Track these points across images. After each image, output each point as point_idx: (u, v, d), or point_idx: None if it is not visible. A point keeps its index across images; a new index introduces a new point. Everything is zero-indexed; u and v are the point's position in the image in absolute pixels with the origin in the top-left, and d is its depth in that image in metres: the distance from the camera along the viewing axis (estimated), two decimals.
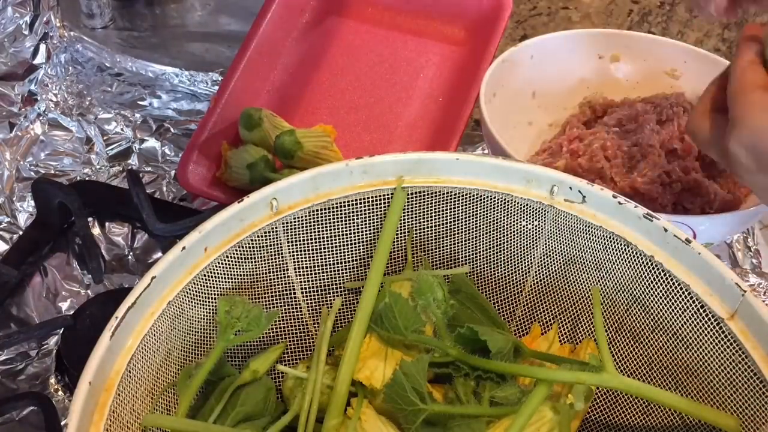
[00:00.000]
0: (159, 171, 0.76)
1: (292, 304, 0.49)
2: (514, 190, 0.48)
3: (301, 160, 0.66)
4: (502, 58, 0.69)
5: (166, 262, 0.42)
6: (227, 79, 0.72)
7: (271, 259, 0.47)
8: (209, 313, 0.45)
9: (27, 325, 0.62)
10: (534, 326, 0.50)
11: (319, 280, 0.50)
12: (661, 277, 0.44)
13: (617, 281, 0.47)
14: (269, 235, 0.46)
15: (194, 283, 0.44)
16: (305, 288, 0.49)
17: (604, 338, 0.42)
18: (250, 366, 0.45)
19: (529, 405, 0.40)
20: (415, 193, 0.48)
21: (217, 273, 0.45)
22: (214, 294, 0.45)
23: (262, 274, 0.47)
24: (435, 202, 0.49)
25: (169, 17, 0.92)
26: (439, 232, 0.50)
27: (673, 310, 0.44)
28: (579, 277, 0.48)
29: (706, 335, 0.43)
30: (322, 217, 0.48)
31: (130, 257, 0.68)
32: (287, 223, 0.47)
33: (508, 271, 0.51)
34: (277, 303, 0.49)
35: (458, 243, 0.51)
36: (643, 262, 0.45)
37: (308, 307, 0.50)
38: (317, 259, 0.49)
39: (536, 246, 0.49)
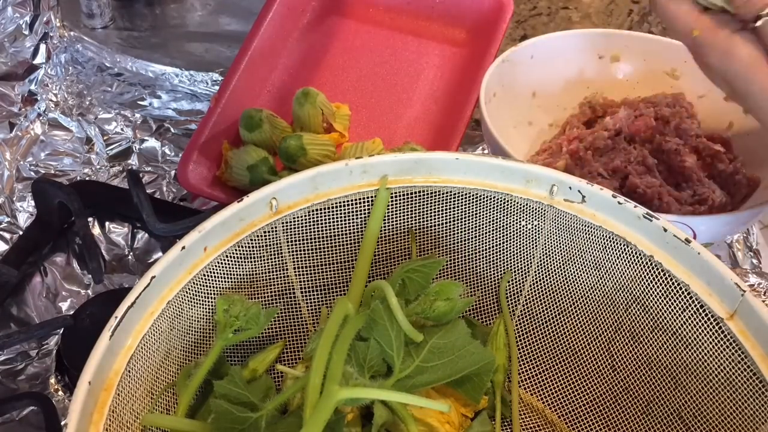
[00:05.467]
0: (159, 171, 0.75)
1: (291, 304, 0.49)
2: (514, 189, 0.48)
3: (303, 166, 0.66)
4: (502, 58, 0.69)
5: (166, 262, 0.42)
6: (228, 79, 0.72)
7: (271, 258, 0.47)
8: (208, 312, 0.45)
9: (27, 325, 0.62)
10: None
11: (319, 280, 0.50)
12: (661, 277, 0.44)
13: (617, 281, 0.47)
14: (269, 235, 0.46)
15: (194, 283, 0.44)
16: (305, 288, 0.49)
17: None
18: (249, 365, 0.45)
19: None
20: (415, 193, 0.48)
21: (217, 273, 0.45)
22: (214, 294, 0.45)
23: (262, 273, 0.47)
24: (435, 202, 0.49)
25: (169, 17, 0.92)
26: (439, 232, 0.50)
27: (672, 310, 0.44)
28: (578, 277, 0.48)
29: (705, 335, 0.43)
30: (321, 216, 0.48)
31: (130, 257, 0.68)
32: (287, 222, 0.47)
33: (508, 271, 0.51)
34: (276, 303, 0.49)
35: (458, 243, 0.51)
36: (642, 262, 0.45)
37: (308, 307, 0.50)
38: (317, 259, 0.49)
39: (536, 246, 0.49)
